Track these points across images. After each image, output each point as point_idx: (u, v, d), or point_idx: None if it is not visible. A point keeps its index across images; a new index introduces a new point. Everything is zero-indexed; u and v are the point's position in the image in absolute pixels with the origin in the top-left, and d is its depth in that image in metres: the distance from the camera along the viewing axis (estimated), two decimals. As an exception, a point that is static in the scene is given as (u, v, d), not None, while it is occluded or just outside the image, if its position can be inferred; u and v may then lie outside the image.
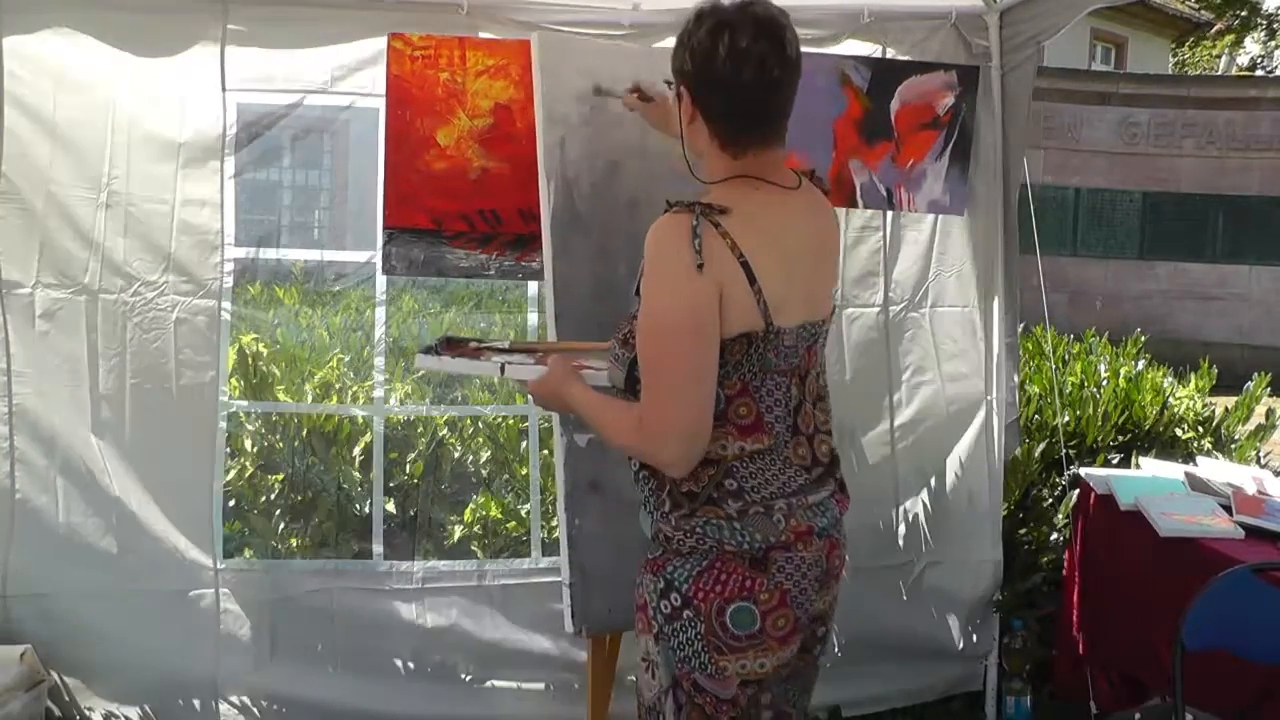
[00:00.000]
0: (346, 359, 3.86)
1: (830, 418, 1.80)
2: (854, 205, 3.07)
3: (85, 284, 2.75)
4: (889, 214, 3.16)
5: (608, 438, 1.76)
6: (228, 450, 3.06)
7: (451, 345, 2.15)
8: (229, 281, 2.83)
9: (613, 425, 1.73)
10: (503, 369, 2.00)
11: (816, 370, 1.77)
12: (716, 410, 1.64)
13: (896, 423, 3.19)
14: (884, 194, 3.08)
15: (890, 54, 3.07)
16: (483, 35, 2.79)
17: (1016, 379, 3.34)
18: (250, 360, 3.35)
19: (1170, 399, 4.01)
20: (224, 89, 2.77)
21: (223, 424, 2.87)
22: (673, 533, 1.69)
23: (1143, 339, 4.73)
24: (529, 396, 1.98)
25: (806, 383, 1.74)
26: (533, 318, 3.09)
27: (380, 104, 2.77)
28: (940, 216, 3.19)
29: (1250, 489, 2.89)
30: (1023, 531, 3.31)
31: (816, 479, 1.73)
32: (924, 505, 3.23)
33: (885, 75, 3.02)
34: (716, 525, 1.66)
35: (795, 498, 1.69)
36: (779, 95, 1.66)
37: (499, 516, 3.28)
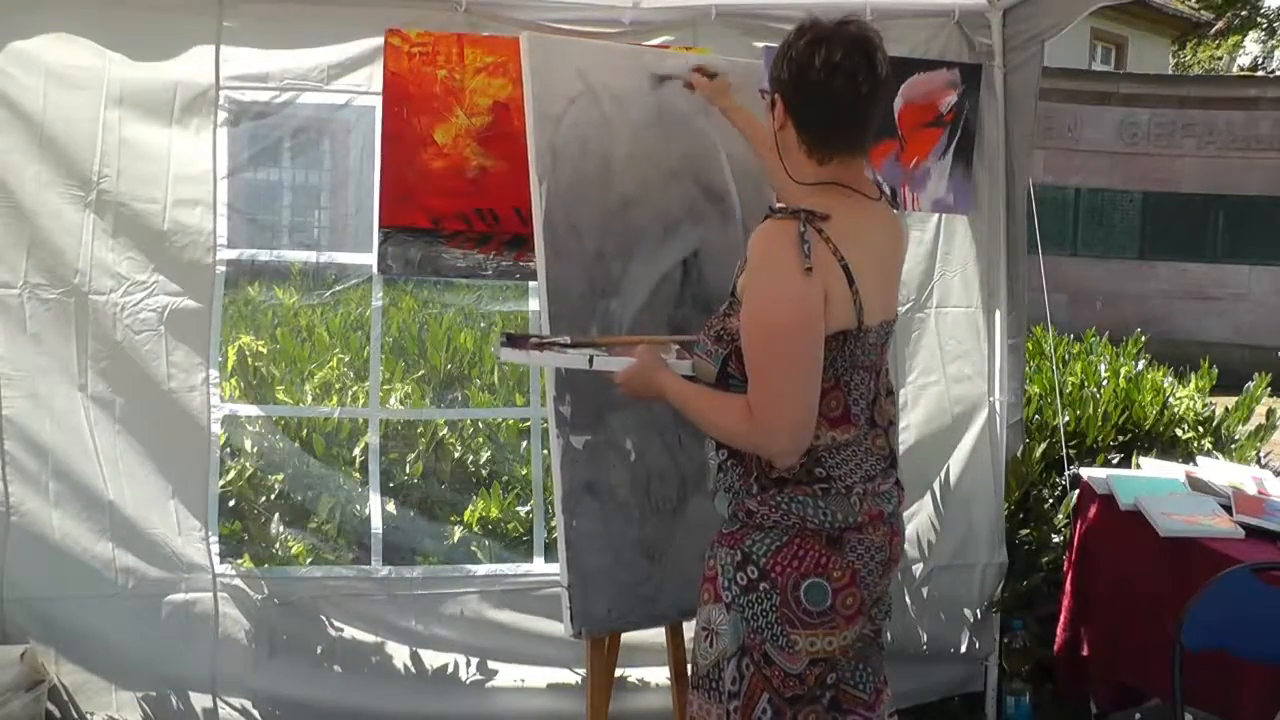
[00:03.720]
0: (346, 359, 3.85)
1: (895, 413, 1.95)
2: None
3: (75, 284, 2.73)
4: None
5: (711, 425, 1.83)
6: (228, 450, 3.06)
7: (514, 341, 2.20)
8: (221, 283, 2.81)
9: (718, 414, 1.81)
10: (591, 361, 2.06)
11: (885, 367, 1.90)
12: None
13: (902, 424, 3.18)
14: (888, 193, 3.07)
15: (893, 52, 3.06)
16: (481, 33, 2.79)
17: (1022, 380, 3.33)
18: (249, 360, 3.35)
19: (1170, 399, 3.99)
20: (218, 87, 2.75)
21: (216, 427, 2.85)
22: (757, 508, 1.79)
23: (1143, 339, 4.72)
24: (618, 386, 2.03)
25: (880, 378, 1.87)
26: (533, 309, 3.07)
27: (377, 102, 2.77)
28: (944, 216, 3.18)
29: (1250, 489, 2.88)
30: (1023, 532, 3.31)
31: (886, 469, 1.87)
32: (927, 508, 3.22)
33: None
34: (802, 502, 1.76)
35: (870, 483, 1.81)
36: (865, 109, 1.78)
37: (499, 517, 3.27)
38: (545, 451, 3.05)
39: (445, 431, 3.49)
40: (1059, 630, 3.07)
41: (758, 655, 1.78)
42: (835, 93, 1.74)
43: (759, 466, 1.80)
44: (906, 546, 3.19)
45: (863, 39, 1.75)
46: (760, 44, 2.91)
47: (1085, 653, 2.97)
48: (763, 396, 1.72)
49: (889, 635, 2.00)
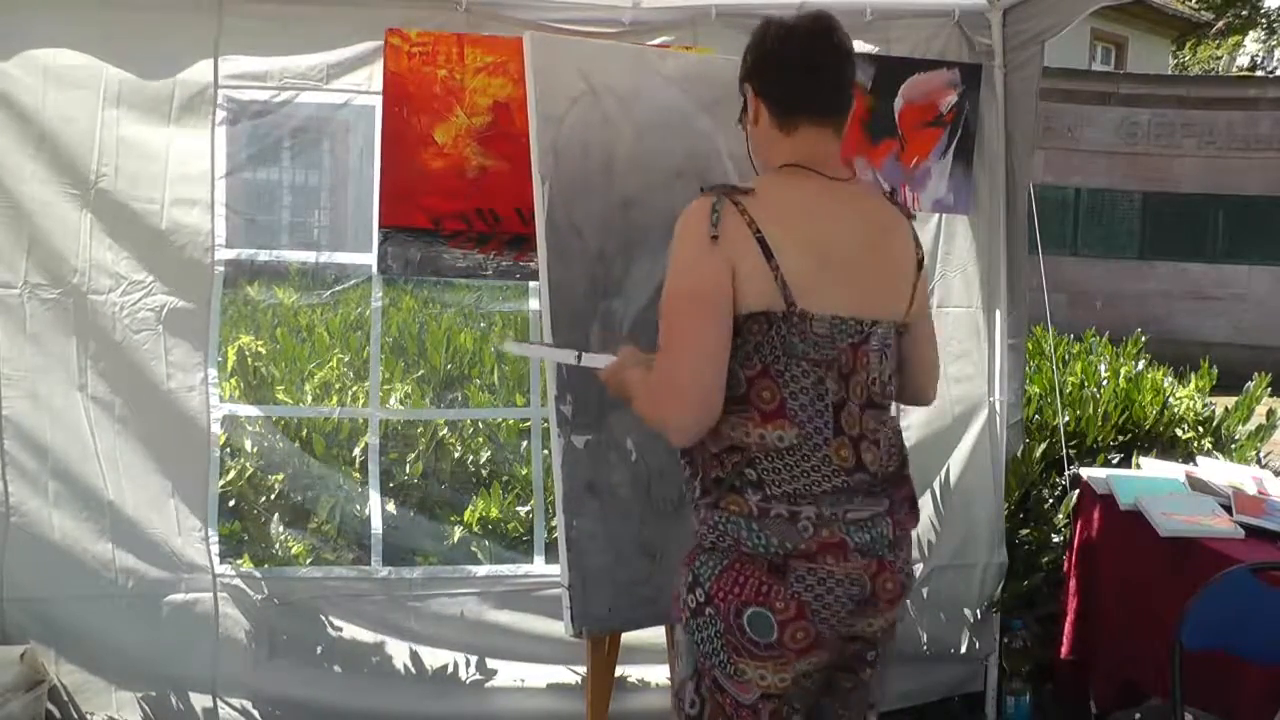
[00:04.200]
0: (346, 359, 3.85)
1: (886, 428, 1.75)
2: None
3: (74, 284, 2.72)
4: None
5: (637, 407, 1.79)
6: (228, 450, 3.06)
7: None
8: (219, 282, 2.81)
9: (641, 395, 1.77)
10: (579, 357, 2.07)
11: (870, 374, 1.72)
12: (738, 392, 1.67)
13: (902, 424, 3.17)
14: (888, 193, 3.07)
15: (893, 52, 3.07)
16: (482, 33, 2.79)
17: (1022, 380, 3.33)
18: (249, 361, 3.35)
19: (1170, 399, 3.99)
20: (217, 86, 2.74)
21: (215, 427, 2.85)
22: (699, 526, 1.72)
23: (1143, 339, 4.72)
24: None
25: (851, 383, 1.70)
26: (533, 308, 3.07)
27: (377, 101, 2.77)
28: (944, 216, 3.18)
29: (1250, 489, 2.88)
30: (1023, 532, 3.31)
31: (862, 489, 1.69)
32: (927, 508, 3.22)
33: (889, 72, 3.02)
34: (735, 523, 1.66)
35: (829, 507, 1.65)
36: (826, 77, 1.75)
37: (499, 517, 3.27)
38: (545, 451, 3.05)
39: (445, 431, 3.49)
40: (1059, 630, 3.07)
41: (708, 680, 1.70)
42: (789, 54, 1.73)
43: (702, 464, 1.72)
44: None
45: (818, 15, 1.74)
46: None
47: (1087, 653, 2.97)
48: (661, 366, 1.68)
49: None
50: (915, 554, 3.20)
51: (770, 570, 1.64)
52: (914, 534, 3.19)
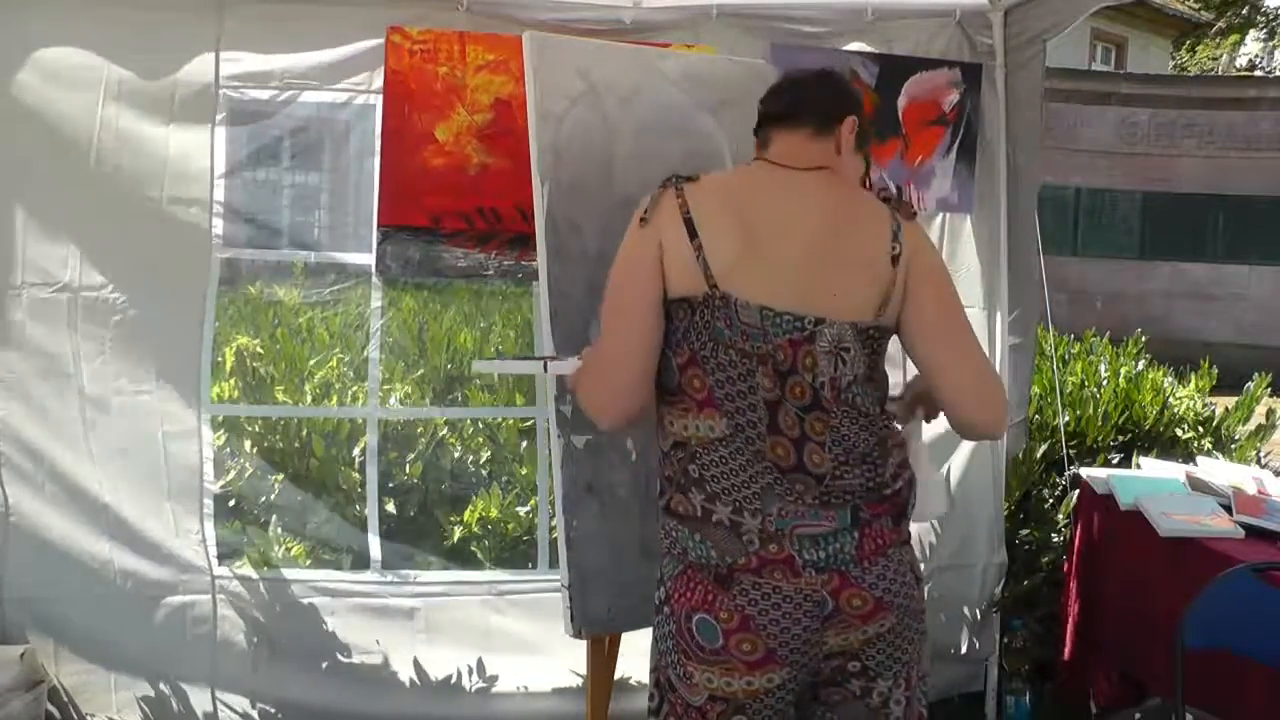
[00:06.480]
0: (346, 359, 3.85)
1: (834, 435, 1.62)
2: None
3: (67, 282, 2.71)
4: (899, 212, 3.15)
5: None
6: (227, 451, 3.05)
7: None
8: (216, 282, 2.80)
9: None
10: (545, 366, 2.09)
11: (817, 376, 1.61)
12: (673, 382, 1.66)
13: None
14: (894, 192, 3.07)
15: (894, 51, 3.06)
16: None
17: (1027, 381, 3.32)
18: (248, 361, 3.34)
19: (1170, 399, 3.99)
20: (217, 85, 2.74)
21: (207, 428, 2.84)
22: (658, 529, 1.73)
23: (1143, 339, 4.72)
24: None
25: (789, 383, 1.61)
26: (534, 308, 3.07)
27: (378, 101, 2.76)
28: (948, 216, 3.18)
29: (1250, 489, 2.88)
30: (1024, 532, 3.31)
31: (811, 497, 1.61)
32: (927, 508, 3.22)
33: (892, 71, 3.02)
34: (682, 532, 1.66)
35: (775, 520, 1.60)
36: (791, 92, 1.76)
37: (499, 517, 3.27)
38: (546, 451, 3.05)
39: (445, 431, 3.48)
40: (1059, 630, 3.06)
41: (663, 679, 1.71)
42: (764, 98, 1.79)
43: (658, 464, 1.71)
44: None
45: (826, 71, 1.81)
46: (762, 43, 2.91)
47: (1085, 653, 2.96)
48: (594, 351, 1.73)
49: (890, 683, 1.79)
50: (915, 554, 3.20)
51: (716, 580, 1.63)
52: (915, 533, 3.20)
